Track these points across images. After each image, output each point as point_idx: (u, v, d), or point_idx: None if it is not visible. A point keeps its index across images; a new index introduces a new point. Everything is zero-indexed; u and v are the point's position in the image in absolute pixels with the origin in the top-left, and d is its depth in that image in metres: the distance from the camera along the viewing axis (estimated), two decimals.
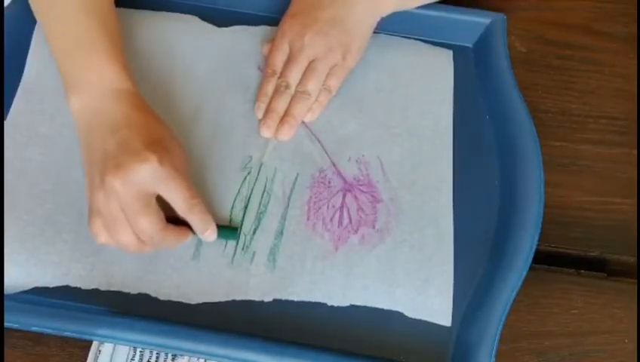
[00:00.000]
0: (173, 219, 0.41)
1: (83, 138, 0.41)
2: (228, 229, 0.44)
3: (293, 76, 0.48)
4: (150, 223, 0.38)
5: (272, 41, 0.50)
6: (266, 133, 0.48)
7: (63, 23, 0.43)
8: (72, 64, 0.42)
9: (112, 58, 0.42)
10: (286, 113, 0.48)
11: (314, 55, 0.47)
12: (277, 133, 0.48)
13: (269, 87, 0.48)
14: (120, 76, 0.42)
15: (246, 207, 0.45)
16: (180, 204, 0.40)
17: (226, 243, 0.44)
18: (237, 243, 0.44)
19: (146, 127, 0.40)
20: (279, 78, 0.48)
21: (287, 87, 0.48)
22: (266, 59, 0.50)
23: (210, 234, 0.42)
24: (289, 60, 0.48)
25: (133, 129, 0.40)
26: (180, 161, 0.41)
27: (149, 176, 0.38)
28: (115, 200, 0.38)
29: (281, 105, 0.48)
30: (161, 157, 0.38)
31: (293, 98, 0.48)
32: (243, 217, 0.45)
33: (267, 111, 0.48)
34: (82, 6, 0.43)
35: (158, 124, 0.42)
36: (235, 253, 0.44)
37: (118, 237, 0.39)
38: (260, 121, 0.48)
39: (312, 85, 0.48)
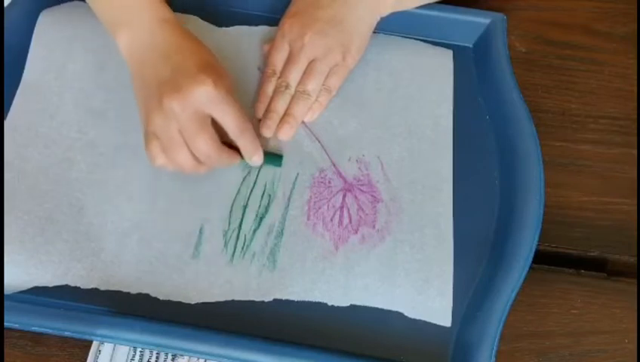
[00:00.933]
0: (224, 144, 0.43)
1: (136, 71, 0.43)
2: (274, 156, 0.46)
3: (294, 76, 0.48)
4: (207, 142, 0.41)
5: (271, 41, 0.50)
6: (266, 133, 0.48)
7: None
8: (113, 4, 0.43)
9: None
10: (286, 113, 0.48)
11: (314, 55, 0.47)
12: (277, 133, 0.48)
13: (269, 87, 0.49)
14: (161, 7, 0.43)
15: (246, 207, 0.45)
16: (233, 127, 0.42)
17: (226, 242, 0.44)
18: (237, 242, 0.44)
19: (197, 53, 0.42)
20: (279, 78, 0.48)
21: (287, 87, 0.48)
22: (266, 59, 0.50)
23: (257, 158, 0.44)
24: (289, 60, 0.48)
25: (185, 54, 0.41)
26: (231, 87, 0.42)
27: (206, 97, 0.40)
28: (173, 121, 0.40)
29: (281, 105, 0.48)
30: (216, 81, 0.40)
31: (293, 98, 0.48)
32: (243, 217, 0.45)
33: (267, 111, 0.48)
34: None
35: (205, 50, 0.43)
36: (234, 252, 0.44)
37: (176, 158, 0.41)
38: (260, 121, 0.48)
39: (312, 85, 0.48)
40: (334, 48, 0.47)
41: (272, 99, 0.48)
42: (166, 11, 0.44)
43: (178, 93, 0.39)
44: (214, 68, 0.42)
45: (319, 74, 0.48)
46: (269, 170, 0.47)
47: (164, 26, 0.43)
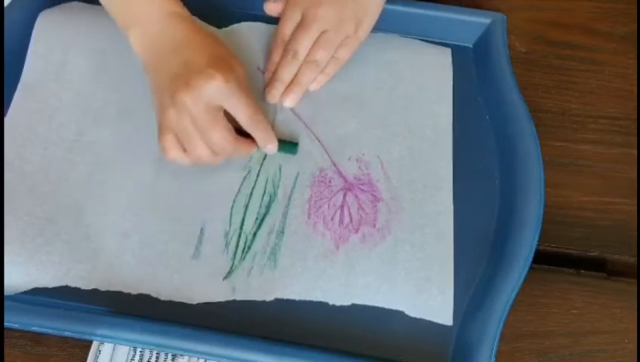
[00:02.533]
0: (238, 132, 0.43)
1: (148, 66, 0.43)
2: (288, 143, 0.47)
3: (304, 45, 0.48)
4: (221, 134, 0.41)
5: (276, 1, 0.50)
6: (271, 100, 0.49)
7: None
8: (125, 3, 0.43)
9: None
10: (293, 82, 0.48)
11: (327, 26, 0.47)
12: (282, 100, 0.49)
13: (278, 56, 0.49)
14: (172, 2, 0.43)
15: (246, 207, 0.45)
16: (245, 119, 0.42)
17: (227, 242, 0.44)
18: (238, 242, 0.44)
19: (208, 46, 0.42)
20: (288, 45, 0.48)
21: (294, 55, 0.48)
22: (277, 28, 0.49)
23: (272, 147, 0.45)
24: (300, 28, 0.48)
25: (196, 48, 0.42)
26: (243, 78, 0.43)
27: (216, 92, 0.40)
28: (186, 115, 0.40)
29: (287, 73, 0.48)
30: (226, 75, 0.40)
31: (301, 67, 0.48)
32: (244, 216, 0.45)
33: (273, 80, 0.49)
34: None
35: (217, 42, 0.43)
36: (235, 252, 0.44)
37: (193, 151, 0.42)
38: (265, 88, 0.49)
39: (322, 55, 0.48)
40: (348, 20, 0.47)
41: (278, 65, 0.48)
42: (176, 5, 0.44)
43: (189, 88, 0.40)
44: (225, 60, 0.42)
45: (331, 45, 0.48)
46: (270, 170, 0.47)
47: (175, 20, 0.43)
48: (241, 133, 0.44)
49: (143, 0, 0.43)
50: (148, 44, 0.43)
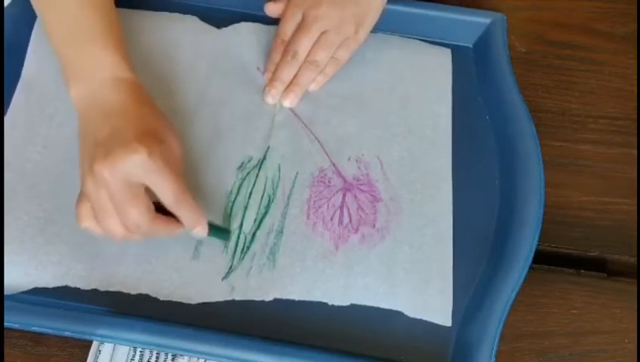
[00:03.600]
0: (165, 209, 0.40)
1: (80, 125, 0.41)
2: (221, 229, 0.44)
3: (304, 46, 0.48)
4: (138, 213, 0.38)
5: (277, 2, 0.50)
6: (270, 100, 0.49)
7: (62, 12, 0.43)
8: (71, 53, 0.42)
9: (111, 47, 0.42)
10: (293, 82, 0.48)
11: (327, 26, 0.47)
12: (282, 100, 0.49)
13: (278, 56, 0.49)
14: (119, 65, 0.42)
15: (246, 207, 0.45)
16: (168, 198, 0.39)
17: (227, 243, 0.44)
18: (237, 242, 0.44)
19: (141, 117, 0.40)
20: (288, 45, 0.48)
21: (294, 55, 0.48)
22: (278, 28, 0.49)
23: (200, 230, 0.41)
24: (301, 29, 0.48)
25: (127, 118, 0.39)
26: (173, 155, 0.40)
27: (137, 167, 0.37)
28: (103, 188, 0.37)
29: (287, 73, 0.48)
30: (151, 150, 0.37)
31: (301, 67, 0.48)
32: (243, 217, 0.45)
33: (272, 80, 0.49)
34: None
35: (153, 114, 0.41)
36: (235, 252, 0.44)
37: (106, 225, 0.39)
38: (265, 88, 0.49)
39: (322, 56, 0.48)
40: (348, 21, 0.47)
41: (278, 66, 0.48)
42: (125, 70, 0.42)
43: (108, 160, 0.36)
44: (155, 135, 0.39)
45: (331, 46, 0.48)
46: (269, 170, 0.47)
47: (116, 86, 0.41)
48: (167, 212, 0.40)
49: (92, 58, 0.41)
50: (85, 105, 0.41)
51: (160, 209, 0.40)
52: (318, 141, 0.49)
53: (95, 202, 0.38)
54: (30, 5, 0.51)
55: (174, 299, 0.42)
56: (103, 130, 0.39)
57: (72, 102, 0.41)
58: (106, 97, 0.40)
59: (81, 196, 0.39)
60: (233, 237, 0.44)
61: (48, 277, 0.42)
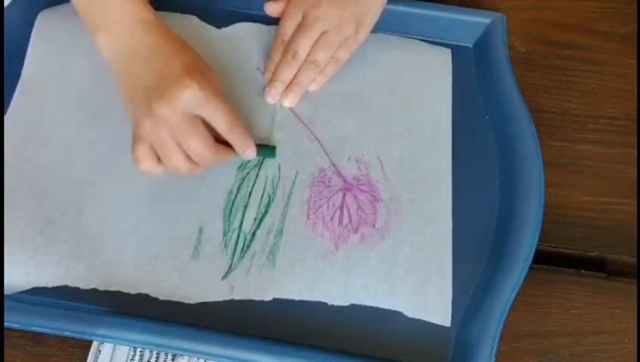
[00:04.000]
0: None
1: (119, 74, 0.42)
2: (267, 148, 0.46)
3: (304, 46, 0.48)
4: (200, 143, 0.41)
5: (277, 2, 0.50)
6: (270, 100, 0.49)
7: None
8: (94, 5, 0.43)
9: None
10: (293, 82, 0.49)
11: (328, 26, 0.47)
12: (282, 100, 0.49)
13: (278, 56, 0.49)
14: (143, 9, 0.42)
15: (245, 206, 0.45)
16: (222, 125, 0.42)
17: (226, 242, 0.44)
18: (237, 242, 0.44)
19: (180, 55, 0.42)
20: (288, 45, 0.48)
21: (294, 55, 0.48)
22: (278, 28, 0.50)
23: (250, 152, 0.44)
24: (301, 29, 0.48)
25: (168, 57, 0.41)
26: (216, 85, 0.42)
27: (192, 100, 0.39)
28: (164, 127, 0.40)
29: (287, 73, 0.48)
30: (201, 82, 0.39)
31: (301, 67, 0.48)
32: (243, 216, 0.45)
33: (272, 80, 0.49)
34: None
35: (188, 50, 0.43)
36: (234, 252, 0.44)
37: (171, 162, 0.41)
38: (265, 88, 0.49)
39: (322, 56, 0.48)
40: (348, 21, 0.47)
41: (278, 66, 0.49)
42: (147, 12, 0.43)
43: (164, 99, 0.39)
44: (198, 68, 0.41)
45: (331, 46, 0.48)
46: (269, 170, 0.47)
47: (145, 28, 0.42)
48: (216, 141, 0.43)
49: (113, 4, 0.42)
50: (117, 50, 0.42)
51: None
52: (318, 141, 0.49)
53: (157, 142, 0.40)
54: (30, 5, 0.51)
55: (174, 299, 0.42)
56: (147, 73, 0.40)
57: (102, 54, 0.42)
58: (139, 41, 0.41)
59: (137, 140, 0.41)
60: (233, 237, 0.44)
61: (48, 277, 0.42)
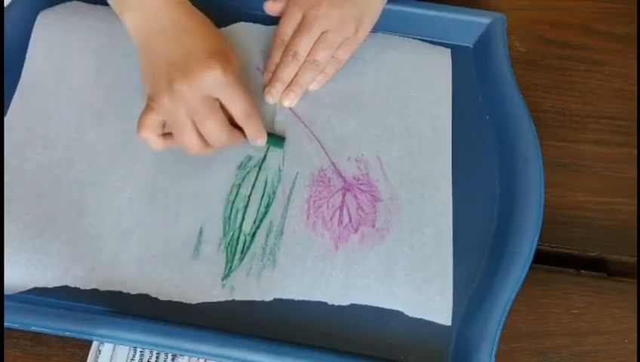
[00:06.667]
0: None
1: (143, 51, 0.43)
2: (276, 138, 0.47)
3: (304, 45, 0.48)
4: (216, 125, 0.42)
5: (276, 1, 0.50)
6: (270, 100, 0.49)
7: None
8: None
9: None
10: (293, 82, 0.49)
11: (328, 26, 0.47)
12: (282, 100, 0.49)
13: (279, 56, 0.49)
14: None
15: (246, 207, 0.45)
16: (239, 112, 0.43)
17: (226, 243, 0.44)
18: (237, 242, 0.44)
19: (208, 36, 0.43)
20: (288, 45, 0.48)
21: (294, 55, 0.48)
22: (277, 28, 0.50)
23: (261, 141, 0.46)
24: (301, 29, 0.48)
25: (196, 37, 0.42)
26: (239, 71, 0.43)
27: (214, 82, 0.40)
28: (182, 104, 0.40)
29: (287, 73, 0.48)
30: (224, 66, 0.40)
31: (302, 67, 0.48)
32: (243, 217, 0.45)
33: (272, 80, 0.49)
34: None
35: (216, 34, 0.44)
36: (235, 253, 0.44)
37: (183, 139, 0.42)
38: (265, 88, 0.49)
39: (323, 56, 0.48)
40: (349, 21, 0.47)
41: (278, 66, 0.49)
42: None
43: (187, 77, 0.40)
44: (224, 53, 0.42)
45: (331, 46, 0.48)
46: (269, 170, 0.47)
47: (176, 8, 0.42)
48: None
49: None
50: (144, 27, 0.42)
51: None
52: (318, 141, 0.49)
53: (173, 118, 0.41)
54: (30, 5, 0.51)
55: (174, 299, 0.42)
56: (173, 49, 0.41)
57: (128, 30, 0.43)
58: (168, 19, 0.42)
59: (148, 110, 0.41)
60: (233, 237, 0.44)
61: (48, 277, 0.42)
